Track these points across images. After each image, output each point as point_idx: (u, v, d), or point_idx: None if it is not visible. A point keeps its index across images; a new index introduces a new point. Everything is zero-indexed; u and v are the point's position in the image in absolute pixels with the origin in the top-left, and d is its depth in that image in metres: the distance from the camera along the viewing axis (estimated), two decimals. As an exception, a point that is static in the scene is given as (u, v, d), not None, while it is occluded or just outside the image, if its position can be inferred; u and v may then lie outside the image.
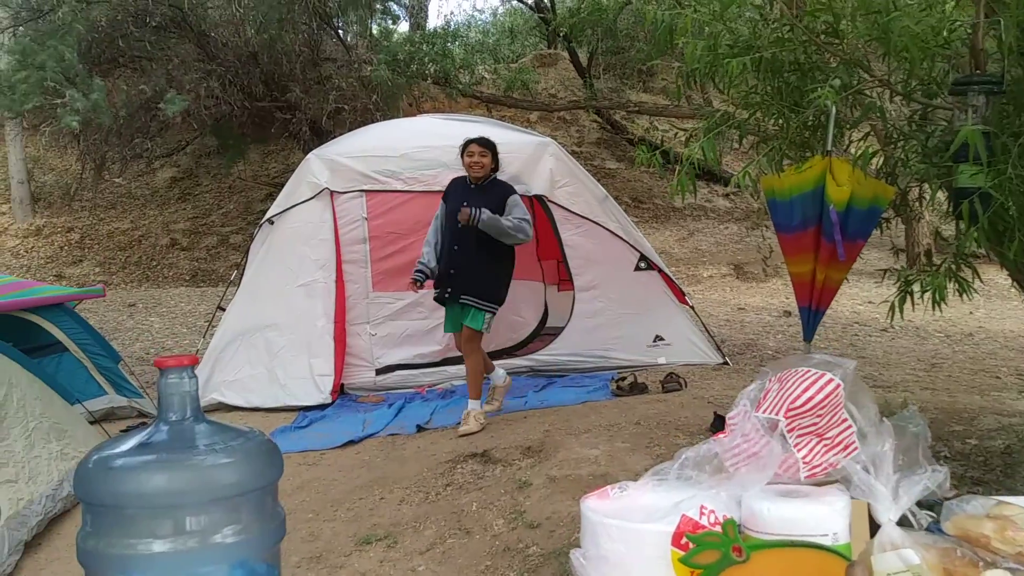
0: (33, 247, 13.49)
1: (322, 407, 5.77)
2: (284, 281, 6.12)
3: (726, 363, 6.38)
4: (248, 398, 5.87)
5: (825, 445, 1.56)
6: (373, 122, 11.34)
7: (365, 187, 6.28)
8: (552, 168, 6.36)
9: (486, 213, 4.84)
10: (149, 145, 12.28)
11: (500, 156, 6.37)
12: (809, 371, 1.58)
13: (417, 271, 5.07)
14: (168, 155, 14.03)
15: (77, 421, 4.76)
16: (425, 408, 5.58)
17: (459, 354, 6.46)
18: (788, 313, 9.14)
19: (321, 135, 12.38)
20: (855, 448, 1.54)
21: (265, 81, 12.38)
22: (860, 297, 10.07)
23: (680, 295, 6.53)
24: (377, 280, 6.28)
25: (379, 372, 6.16)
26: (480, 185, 5.06)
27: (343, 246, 6.19)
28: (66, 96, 9.93)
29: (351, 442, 5.06)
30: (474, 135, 5.14)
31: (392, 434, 5.18)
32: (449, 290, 5.00)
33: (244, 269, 6.44)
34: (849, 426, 1.56)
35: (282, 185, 14.07)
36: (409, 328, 6.29)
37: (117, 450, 1.46)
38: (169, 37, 11.76)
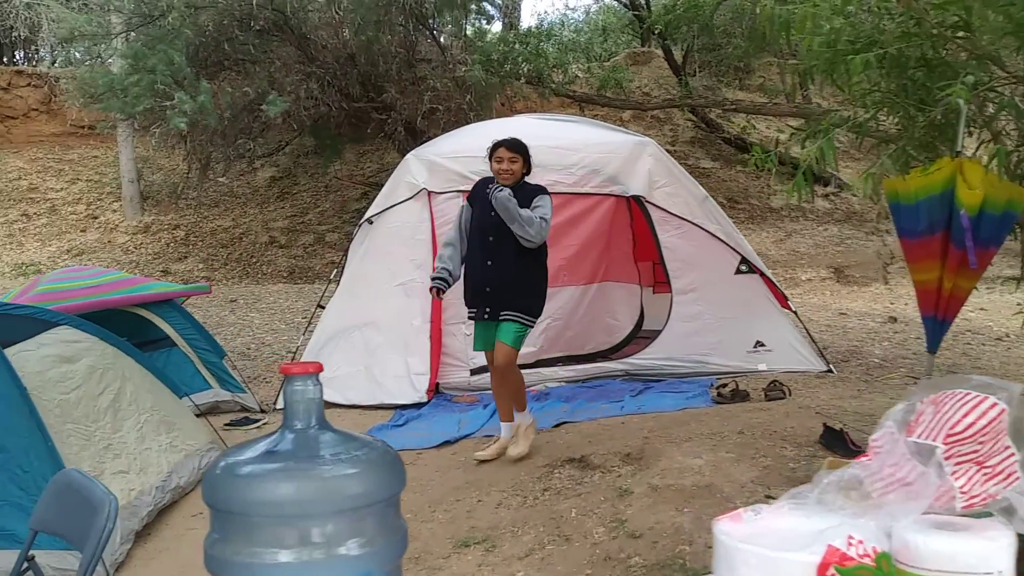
0: (141, 243, 14.05)
1: (418, 406, 5.80)
2: (382, 280, 6.18)
3: (830, 371, 6.15)
4: (346, 395, 5.94)
5: (985, 474, 1.44)
6: (466, 122, 11.44)
7: (462, 187, 6.26)
8: (651, 168, 6.24)
9: (505, 191, 4.36)
10: (251, 145, 12.63)
11: (598, 156, 6.32)
12: (969, 394, 1.46)
13: (437, 278, 4.60)
14: (268, 155, 14.41)
15: (185, 414, 4.89)
16: (520, 410, 5.53)
17: (553, 355, 6.46)
18: (894, 319, 8.78)
19: (415, 135, 12.52)
20: (1017, 477, 1.42)
21: (362, 82, 12.59)
22: (972, 304, 9.59)
23: (782, 299, 6.33)
24: (473, 280, 6.27)
25: (473, 372, 6.15)
26: (509, 188, 4.51)
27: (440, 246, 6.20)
28: (175, 99, 10.29)
29: (447, 442, 5.06)
30: (504, 137, 4.55)
31: (488, 435, 5.15)
32: (488, 309, 4.49)
33: (343, 268, 6.52)
34: (1012, 454, 1.44)
35: (377, 184, 14.43)
36: (504, 329, 6.25)
37: (244, 457, 1.45)
38: (271, 40, 12.07)
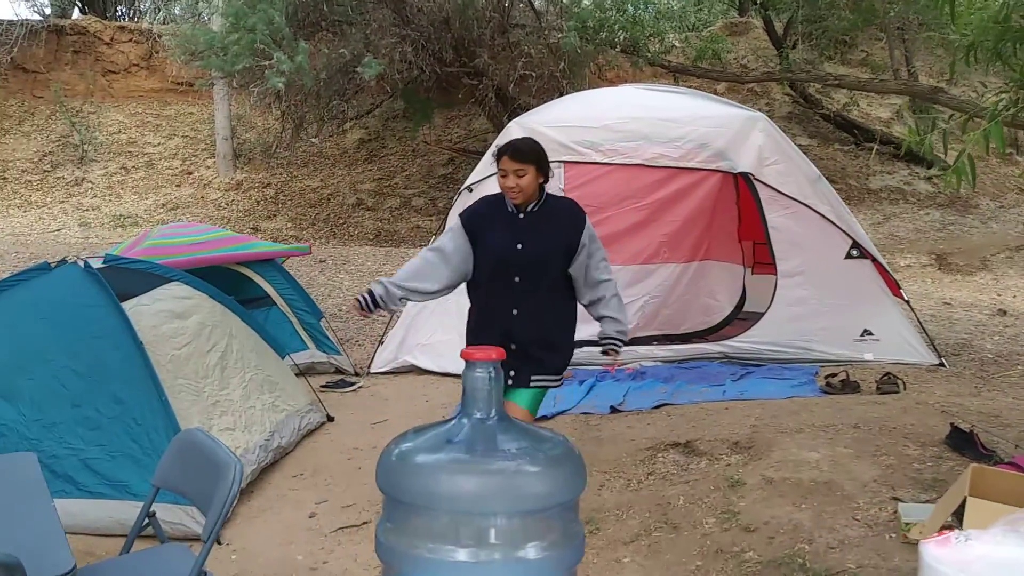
0: (233, 200, 14.31)
1: (512, 378, 5.74)
2: (479, 249, 6.11)
3: (942, 364, 5.87)
4: (439, 363, 5.92)
5: None
6: (559, 90, 11.26)
7: (564, 158, 6.14)
8: (761, 145, 6.00)
9: (623, 332, 3.46)
10: (344, 107, 12.68)
11: (706, 130, 6.09)
12: None
13: (369, 293, 3.33)
14: (359, 117, 14.46)
15: (287, 374, 4.93)
16: (617, 389, 5.43)
17: (649, 333, 6.32)
18: (1003, 312, 8.35)
19: (506, 102, 12.39)
20: None
21: (455, 46, 12.48)
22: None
23: (894, 287, 6.05)
24: (571, 253, 6.17)
25: (569, 346, 6.06)
26: (529, 211, 3.29)
27: (539, 217, 6.11)
28: (273, 58, 10.35)
29: (544, 417, 4.98)
30: (509, 143, 3.31)
31: (585, 412, 5.08)
32: (513, 373, 3.31)
33: (440, 234, 6.47)
34: None
35: (464, 150, 14.38)
36: (601, 304, 6.14)
37: (420, 444, 1.37)
38: (368, 2, 12.04)
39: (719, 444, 4.18)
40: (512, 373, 3.32)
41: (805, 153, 6.76)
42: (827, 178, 6.58)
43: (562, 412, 5.10)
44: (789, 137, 6.79)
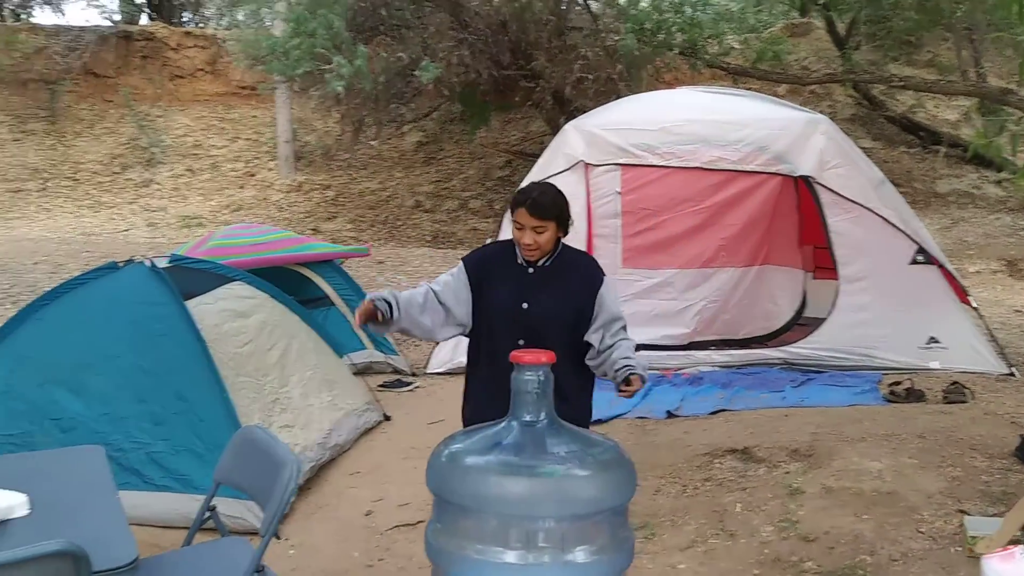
0: (294, 202, 14.55)
1: (566, 381, 5.72)
2: (536, 252, 6.11)
3: (1012, 374, 5.68)
4: (494, 365, 5.93)
5: None
6: (616, 93, 11.20)
7: (620, 160, 6.12)
8: (823, 148, 5.90)
9: (642, 367, 2.82)
10: (402, 110, 12.80)
11: (766, 132, 6.01)
12: None
13: (386, 303, 2.86)
14: (417, 120, 14.58)
15: (344, 374, 4.99)
16: (674, 393, 5.39)
17: (707, 338, 6.24)
18: (1078, 320, 8.06)
19: (563, 104, 12.38)
20: None
21: (512, 49, 12.51)
22: None
23: (962, 294, 5.89)
24: (627, 256, 6.14)
25: (624, 350, 6.02)
26: (540, 266, 2.89)
27: (595, 220, 6.09)
28: (333, 62, 10.51)
29: (599, 420, 4.95)
30: (528, 193, 2.86)
31: (640, 417, 5.04)
32: None
33: (497, 237, 6.49)
34: None
35: (521, 153, 14.41)
36: (657, 308, 6.10)
37: (470, 446, 1.37)
38: (426, 6, 12.15)
39: (778, 451, 4.11)
40: None
41: (869, 156, 6.62)
42: (892, 182, 6.43)
43: (617, 416, 5.06)
44: (852, 140, 6.66)
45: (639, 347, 5.98)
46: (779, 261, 6.53)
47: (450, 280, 2.97)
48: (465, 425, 2.99)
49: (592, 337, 2.91)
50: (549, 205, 2.84)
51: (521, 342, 2.78)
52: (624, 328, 2.98)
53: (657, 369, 5.95)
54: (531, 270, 2.91)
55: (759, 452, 4.13)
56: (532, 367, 1.34)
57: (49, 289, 4.29)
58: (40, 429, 3.79)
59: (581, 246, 5.94)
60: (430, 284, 2.99)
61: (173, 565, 2.62)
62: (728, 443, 4.32)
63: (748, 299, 6.33)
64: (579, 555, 1.26)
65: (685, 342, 6.10)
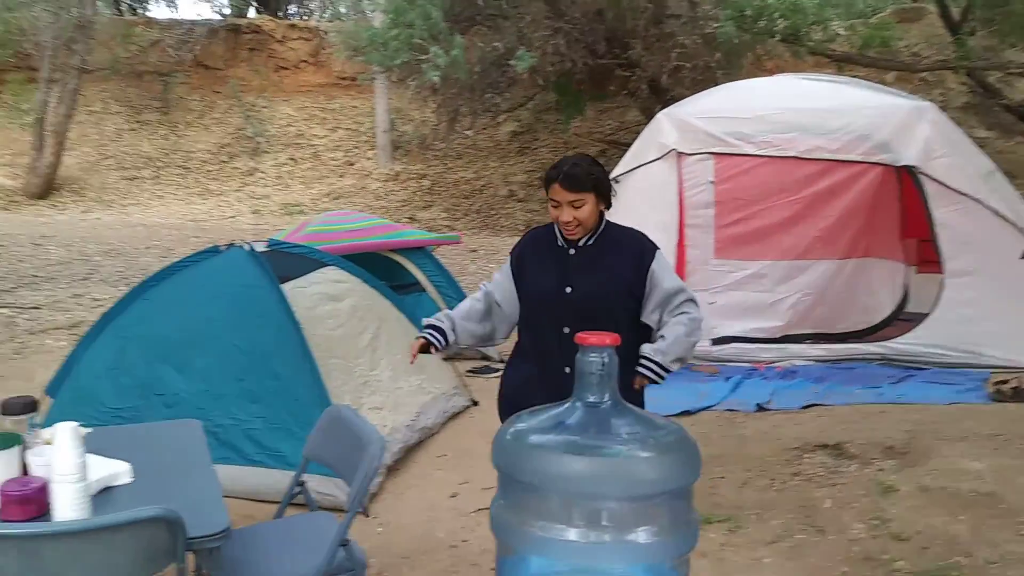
0: (391, 191, 14.85)
1: (655, 371, 5.67)
2: (625, 241, 6.07)
3: None
4: (582, 354, 5.93)
5: None
6: (714, 81, 10.98)
7: (714, 149, 6.02)
8: (928, 136, 5.66)
9: (664, 357, 2.67)
10: (497, 100, 12.89)
11: (868, 120, 5.80)
12: None
13: (430, 327, 2.90)
14: (511, 110, 14.67)
15: (433, 358, 5.05)
16: (765, 387, 5.28)
17: (801, 332, 6.09)
18: None
19: (659, 93, 12.23)
20: None
21: (608, 38, 12.43)
22: None
23: (1078, 290, 5.56)
24: (720, 247, 6.03)
25: (715, 342, 5.93)
26: (582, 246, 2.71)
27: (687, 210, 6.01)
28: (430, 52, 10.66)
29: (686, 412, 4.92)
30: (559, 167, 2.65)
31: (729, 410, 4.97)
32: None
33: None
34: None
35: (616, 143, 14.31)
36: (750, 300, 5.98)
37: (534, 425, 1.39)
38: (523, -5, 12.19)
39: (872, 448, 3.99)
40: None
41: (982, 147, 6.34)
42: (1007, 173, 6.13)
43: (706, 408, 5.01)
44: (965, 129, 6.38)
45: (730, 339, 5.89)
46: (879, 254, 6.31)
47: (500, 276, 2.85)
48: (500, 416, 2.89)
49: (650, 318, 2.70)
50: (583, 176, 2.61)
51: (566, 330, 2.64)
52: (688, 301, 2.72)
53: (748, 362, 5.85)
54: (572, 251, 2.69)
55: (852, 448, 4.02)
56: (596, 349, 1.35)
57: (156, 271, 4.50)
58: (147, 404, 3.99)
59: (673, 236, 5.92)
60: (485, 284, 2.92)
61: (263, 535, 2.73)
62: (819, 438, 4.21)
63: (846, 292, 6.13)
64: (641, 535, 1.27)
65: (778, 335, 5.96)
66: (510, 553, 1.36)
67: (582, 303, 2.66)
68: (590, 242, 2.70)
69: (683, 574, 1.39)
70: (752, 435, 4.45)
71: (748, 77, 11.56)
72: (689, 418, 4.86)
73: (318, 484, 3.49)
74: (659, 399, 5.11)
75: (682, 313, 2.69)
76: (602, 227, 2.72)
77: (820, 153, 5.86)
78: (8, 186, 15.15)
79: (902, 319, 6.25)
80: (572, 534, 1.29)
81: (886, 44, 13.61)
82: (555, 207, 2.64)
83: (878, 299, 6.31)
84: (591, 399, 1.41)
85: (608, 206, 2.73)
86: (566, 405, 1.44)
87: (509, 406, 2.84)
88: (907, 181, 5.88)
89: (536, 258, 2.77)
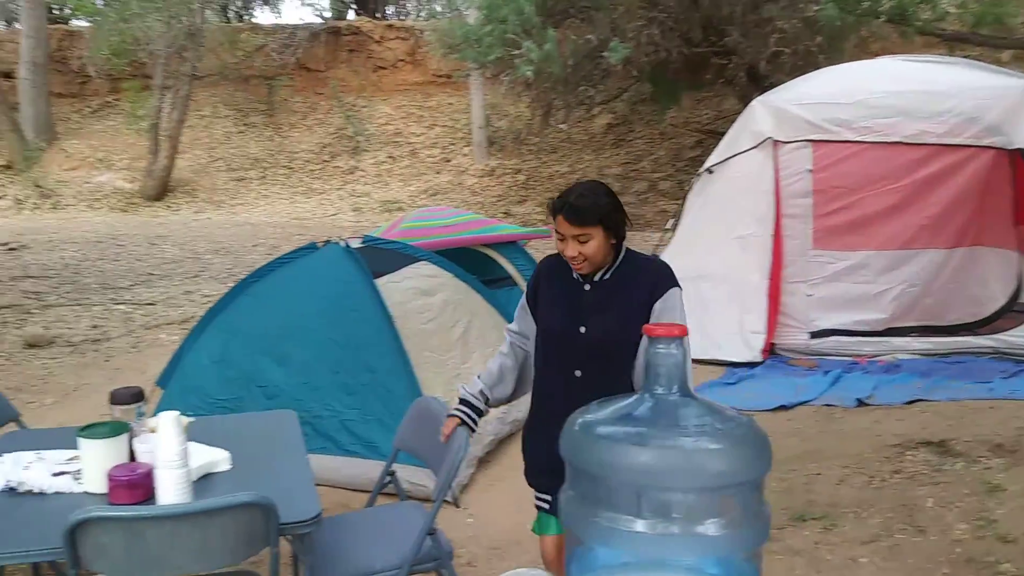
0: (487, 186, 14.98)
1: (750, 365, 5.58)
2: (720, 233, 5.98)
3: None
4: (676, 348, 5.86)
5: None
6: (815, 66, 10.62)
7: (812, 137, 5.86)
8: (1044, 117, 5.37)
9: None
10: (591, 92, 12.83)
11: (977, 102, 5.53)
12: None
13: (465, 403, 2.70)
14: (606, 102, 14.57)
15: (524, 352, 5.10)
16: (866, 381, 5.12)
17: (906, 324, 5.86)
18: None
19: (757, 80, 11.93)
20: None
21: (703, 26, 12.21)
22: None
23: None
24: (818, 237, 5.87)
25: (814, 335, 5.78)
26: (598, 281, 2.47)
27: (784, 199, 5.87)
28: (523, 47, 10.69)
29: (782, 407, 4.81)
30: (565, 197, 2.41)
31: (827, 404, 4.84)
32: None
33: (679, 218, 6.40)
34: None
35: (713, 132, 14.06)
36: (851, 291, 5.80)
37: (602, 416, 1.40)
38: (615, -15, 12.08)
39: (978, 445, 3.82)
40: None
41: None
42: None
43: (803, 403, 4.89)
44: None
45: (829, 332, 5.71)
46: (991, 242, 6.01)
47: (520, 313, 2.67)
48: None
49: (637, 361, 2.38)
50: (589, 208, 2.35)
51: (578, 373, 2.44)
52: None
53: (848, 355, 5.68)
54: (587, 286, 2.46)
55: (957, 445, 3.86)
56: (665, 339, 1.34)
57: (258, 267, 4.68)
58: (249, 395, 4.16)
59: (769, 226, 5.80)
60: (509, 331, 2.71)
61: (355, 523, 2.82)
62: (923, 434, 4.06)
63: (954, 283, 5.87)
64: (710, 527, 1.25)
65: (881, 328, 5.76)
66: (578, 544, 1.37)
67: (597, 344, 2.43)
68: (606, 276, 2.46)
69: (756, 568, 1.37)
70: (851, 431, 4.32)
71: (852, 61, 11.21)
72: (785, 413, 4.76)
73: (409, 474, 3.58)
74: (755, 394, 5.06)
75: None
76: (620, 260, 2.46)
77: (925, 138, 5.63)
78: (126, 189, 15.97)
79: (1017, 311, 5.94)
80: (640, 525, 1.29)
81: (1000, 21, 12.91)
82: (560, 240, 2.41)
83: (989, 290, 6.02)
84: (659, 390, 1.40)
85: (620, 239, 2.45)
86: (635, 397, 1.44)
87: (524, 449, 2.70)
88: (1021, 165, 5.58)
89: (550, 292, 2.55)
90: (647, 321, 2.34)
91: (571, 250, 2.38)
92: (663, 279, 2.45)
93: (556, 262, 2.54)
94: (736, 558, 1.31)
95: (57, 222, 14.51)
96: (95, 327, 7.33)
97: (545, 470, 2.48)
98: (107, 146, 17.04)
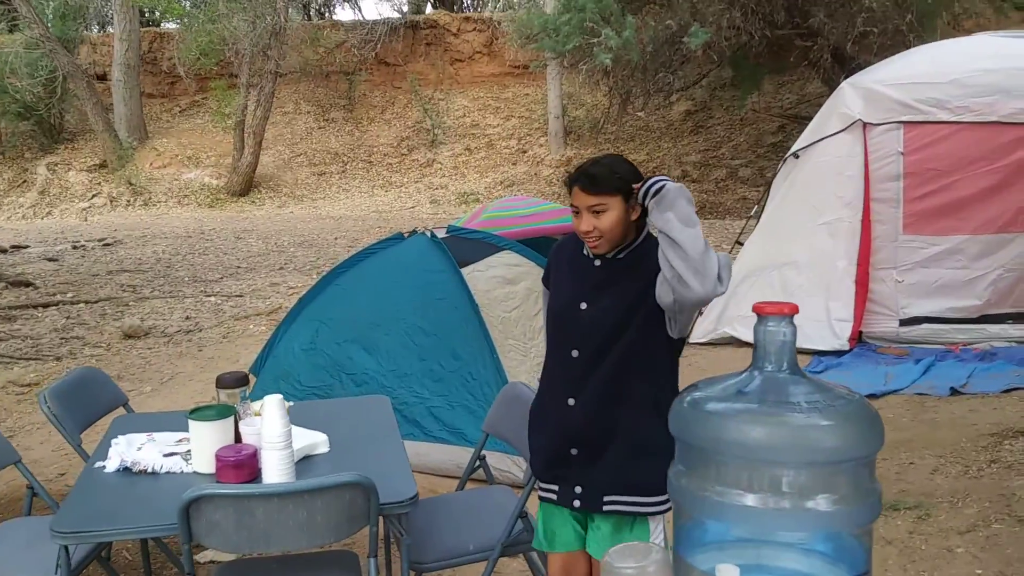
0: (563, 177, 14.97)
1: (838, 353, 5.47)
2: (806, 218, 5.87)
3: None
4: (760, 335, 5.79)
5: None
6: (905, 46, 10.33)
7: (903, 118, 5.70)
8: None
9: (665, 185, 2.09)
10: (670, 79, 12.70)
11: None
12: None
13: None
14: (685, 88, 14.41)
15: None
16: (961, 369, 4.97)
17: (1003, 311, 5.66)
18: None
19: (843, 62, 11.64)
20: None
21: (787, 7, 11.95)
22: None
23: None
24: (909, 222, 5.70)
25: (903, 323, 5.63)
26: (609, 259, 2.23)
27: (873, 183, 5.72)
28: (601, 35, 10.65)
29: (872, 395, 4.71)
30: (581, 168, 2.18)
31: (919, 393, 4.71)
32: (578, 488, 2.25)
33: (765, 204, 6.30)
34: None
35: (795, 117, 13.78)
36: (943, 277, 5.62)
37: (713, 393, 1.42)
38: (695, -30, 11.91)
39: (1082, 435, 3.68)
40: (579, 490, 2.23)
41: None
42: None
43: (894, 391, 4.78)
44: None
45: (921, 319, 5.56)
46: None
47: (543, 298, 2.48)
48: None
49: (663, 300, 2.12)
50: (606, 176, 2.12)
51: (575, 353, 2.22)
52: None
53: (940, 343, 5.52)
54: (598, 262, 2.24)
55: (1059, 435, 3.72)
56: (775, 317, 1.36)
57: (346, 258, 4.80)
58: (338, 382, 4.28)
59: (858, 211, 5.67)
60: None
61: (447, 505, 2.88)
62: (1021, 424, 3.94)
63: (1055, 268, 5.65)
64: (821, 503, 1.27)
65: (976, 315, 5.58)
66: (687, 519, 1.39)
67: (591, 323, 2.21)
68: (620, 255, 2.22)
69: (866, 545, 1.37)
70: (944, 420, 4.21)
71: (944, 39, 10.84)
72: (875, 402, 4.66)
73: (496, 461, 3.63)
74: (842, 382, 4.95)
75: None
76: (640, 239, 2.22)
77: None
78: (214, 185, 16.50)
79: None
80: (750, 500, 1.31)
81: (1103, -7, 12.31)
82: (575, 214, 2.19)
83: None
84: (769, 368, 1.42)
85: (643, 213, 2.17)
86: (744, 374, 1.46)
87: (529, 437, 2.44)
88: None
89: (559, 272, 2.37)
90: (649, 309, 2.15)
91: (586, 224, 2.15)
92: None
93: (570, 241, 2.35)
94: (846, 533, 1.31)
95: (148, 218, 15.09)
96: (188, 318, 7.62)
97: (550, 459, 2.30)
98: (195, 144, 17.62)
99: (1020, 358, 5.07)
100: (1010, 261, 5.57)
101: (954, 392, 4.64)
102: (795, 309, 1.40)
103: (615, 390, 2.22)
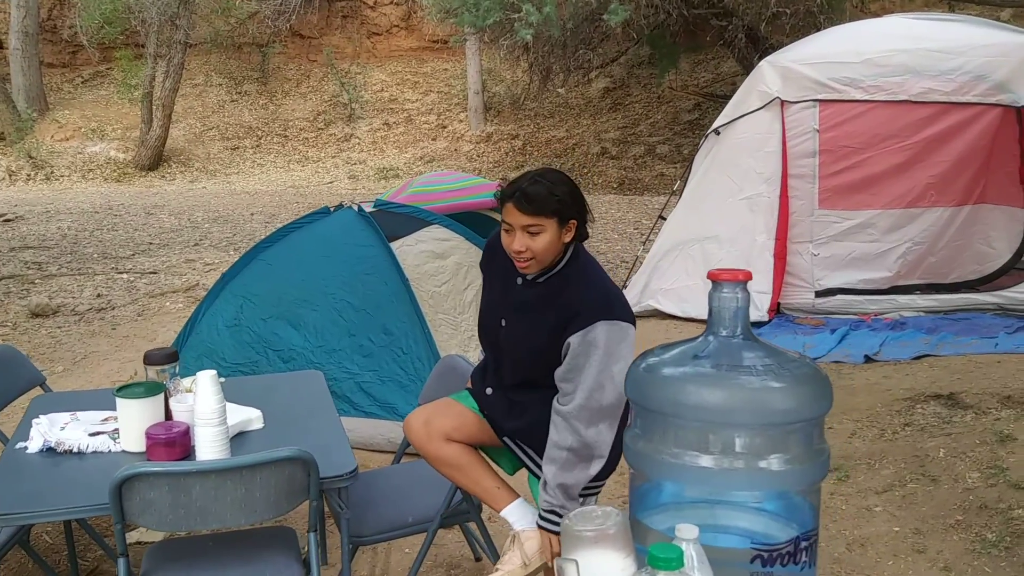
0: (483, 152, 14.93)
1: (757, 324, 5.63)
2: (726, 194, 5.99)
3: None
4: (683, 307, 5.92)
5: None
6: (815, 27, 10.61)
7: (819, 96, 5.85)
8: (1051, 75, 5.38)
9: (553, 504, 2.16)
10: (590, 56, 12.77)
11: (985, 60, 5.53)
12: None
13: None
14: (604, 66, 14.51)
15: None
16: (873, 338, 5.18)
17: (911, 282, 5.91)
18: None
19: (756, 42, 11.90)
20: None
21: (703, -14, 12.14)
22: None
23: None
24: (824, 197, 5.89)
25: (819, 295, 5.83)
26: (531, 280, 2.23)
27: (791, 159, 5.87)
28: (522, 10, 10.61)
29: (791, 364, 4.87)
30: (518, 183, 2.12)
31: (835, 361, 4.89)
32: (486, 413, 2.44)
33: (687, 179, 6.41)
34: None
35: (711, 95, 14.02)
36: (856, 251, 5.84)
37: (668, 357, 1.45)
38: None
39: (988, 398, 3.88)
40: (486, 413, 2.42)
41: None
42: None
43: (813, 360, 4.93)
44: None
45: (835, 291, 5.75)
46: (997, 200, 6.03)
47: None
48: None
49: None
50: (544, 197, 2.06)
51: (495, 356, 2.37)
52: (593, 374, 2.08)
53: (854, 313, 5.73)
54: (520, 281, 2.23)
55: (966, 398, 3.92)
56: (729, 284, 1.40)
57: (269, 233, 4.69)
58: (264, 359, 4.19)
59: (776, 186, 5.81)
60: None
61: (385, 478, 2.86)
62: (932, 388, 4.12)
63: (959, 241, 5.91)
64: (773, 463, 1.32)
65: (887, 286, 5.81)
66: (644, 481, 1.42)
67: (511, 343, 2.28)
68: (539, 279, 2.20)
69: (813, 503, 1.43)
70: (860, 386, 4.38)
71: (852, 21, 11.17)
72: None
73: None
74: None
75: (556, 429, 2.14)
76: (561, 265, 2.18)
77: (933, 96, 5.64)
78: (120, 159, 15.88)
79: (1021, 268, 6.00)
80: (705, 460, 1.35)
81: (1001, -21, 12.86)
82: (506, 231, 2.13)
83: (995, 248, 6.06)
84: (724, 332, 1.46)
85: (577, 237, 2.17)
86: (699, 339, 1.50)
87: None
88: (1028, 123, 5.60)
89: (493, 270, 2.35)
90: (555, 350, 2.13)
91: (519, 243, 2.09)
92: (589, 310, 2.09)
93: (503, 249, 2.25)
94: (797, 492, 1.36)
95: (51, 193, 14.44)
96: (99, 296, 7.35)
97: (478, 384, 2.48)
98: (100, 116, 16.91)
99: (928, 327, 5.31)
100: (918, 235, 5.81)
101: (868, 360, 4.83)
102: (749, 276, 1.43)
103: (526, 406, 2.34)
